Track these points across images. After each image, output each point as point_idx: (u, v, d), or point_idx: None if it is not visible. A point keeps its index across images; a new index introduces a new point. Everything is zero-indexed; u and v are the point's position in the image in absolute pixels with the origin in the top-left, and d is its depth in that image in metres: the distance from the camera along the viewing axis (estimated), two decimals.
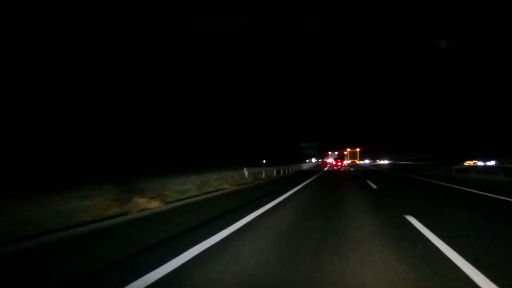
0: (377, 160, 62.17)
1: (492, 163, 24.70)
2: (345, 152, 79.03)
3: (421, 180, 14.58)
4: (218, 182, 11.06)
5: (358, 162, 73.22)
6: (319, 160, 74.06)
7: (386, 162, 52.88)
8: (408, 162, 40.86)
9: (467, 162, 25.90)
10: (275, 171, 18.45)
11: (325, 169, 37.85)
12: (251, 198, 7.70)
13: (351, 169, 38.84)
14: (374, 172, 25.16)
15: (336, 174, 21.59)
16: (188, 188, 8.92)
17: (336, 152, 73.59)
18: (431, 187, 11.47)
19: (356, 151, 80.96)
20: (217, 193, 9.08)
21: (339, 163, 42.02)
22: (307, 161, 49.16)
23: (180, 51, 20.27)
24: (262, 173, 16.50)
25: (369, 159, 72.75)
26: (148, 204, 6.17)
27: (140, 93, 17.77)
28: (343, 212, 5.62)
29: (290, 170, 24.31)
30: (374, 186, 10.80)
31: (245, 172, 14.51)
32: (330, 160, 60.04)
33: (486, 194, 8.57)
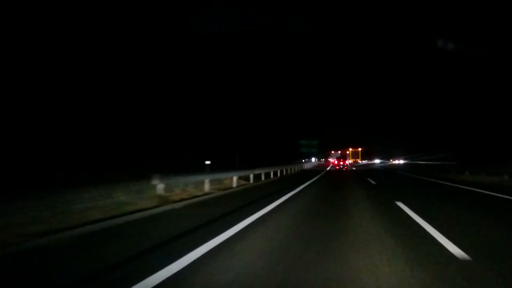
0: (391, 160, 54.94)
1: None
2: (348, 152, 79.07)
3: None
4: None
5: (360, 162, 73.82)
6: (322, 159, 72.19)
7: (401, 162, 45.56)
8: (427, 162, 33.73)
9: None
10: (235, 179, 11.22)
11: (327, 169, 33.40)
12: None
13: (354, 168, 34.04)
14: (393, 177, 17.86)
15: (339, 181, 14.40)
16: None
17: (339, 152, 72.51)
18: None
19: (358, 151, 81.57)
20: None
21: (341, 163, 41.34)
22: (304, 160, 41.73)
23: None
24: (203, 184, 9.29)
25: (380, 158, 65.50)
26: None
27: None
28: None
29: (273, 175, 17.14)
30: (446, 240, 3.59)
31: (157, 185, 7.36)
32: (332, 159, 60.65)
33: None
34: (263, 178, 14.88)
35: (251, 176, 13.02)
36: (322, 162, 68.57)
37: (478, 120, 37.16)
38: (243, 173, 12.43)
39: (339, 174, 22.51)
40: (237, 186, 11.08)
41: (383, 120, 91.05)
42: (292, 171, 24.16)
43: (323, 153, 73.51)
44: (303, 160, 40.79)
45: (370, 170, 29.41)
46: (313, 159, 54.39)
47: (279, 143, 39.35)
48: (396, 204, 6.56)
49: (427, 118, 52.63)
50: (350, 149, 79.16)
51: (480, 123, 36.91)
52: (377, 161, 64.74)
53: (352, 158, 75.34)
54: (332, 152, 73.69)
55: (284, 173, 20.57)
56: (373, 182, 12.96)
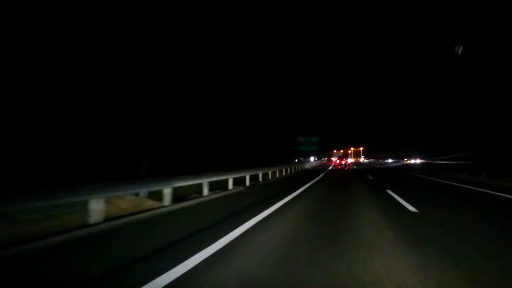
0: (405, 159, 48.53)
1: None
2: (349, 151, 79.46)
3: None
4: None
5: (362, 160, 73.68)
6: (323, 158, 70.07)
7: (417, 161, 39.31)
8: (450, 162, 27.62)
9: None
10: (96, 207, 4.92)
11: (329, 168, 30.05)
12: None
13: (358, 169, 29.54)
14: (427, 188, 11.57)
15: (337, 203, 8.07)
16: None
17: (341, 151, 74.15)
18: None
19: (359, 150, 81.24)
20: None
21: (343, 162, 40.86)
22: (297, 160, 35.17)
23: None
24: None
25: (392, 158, 59.10)
26: None
27: None
28: None
29: (236, 184, 10.89)
30: None
31: None
32: (334, 158, 55.90)
33: None
34: (206, 192, 8.55)
35: (167, 193, 6.67)
36: (324, 161, 65.60)
37: (496, 119, 31.63)
38: (141, 189, 6.11)
39: (340, 181, 16.05)
40: (101, 222, 4.78)
41: (387, 119, 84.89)
42: (277, 175, 17.79)
43: (325, 152, 71.49)
44: (296, 160, 34.06)
45: (383, 173, 22.92)
46: (311, 158, 47.57)
47: (270, 140, 33.24)
48: None
49: (442, 116, 46.50)
50: (352, 149, 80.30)
51: (498, 123, 31.38)
52: (389, 160, 58.46)
53: (353, 157, 75.80)
54: (334, 151, 72.26)
55: (261, 178, 14.26)
56: (411, 209, 6.35)
